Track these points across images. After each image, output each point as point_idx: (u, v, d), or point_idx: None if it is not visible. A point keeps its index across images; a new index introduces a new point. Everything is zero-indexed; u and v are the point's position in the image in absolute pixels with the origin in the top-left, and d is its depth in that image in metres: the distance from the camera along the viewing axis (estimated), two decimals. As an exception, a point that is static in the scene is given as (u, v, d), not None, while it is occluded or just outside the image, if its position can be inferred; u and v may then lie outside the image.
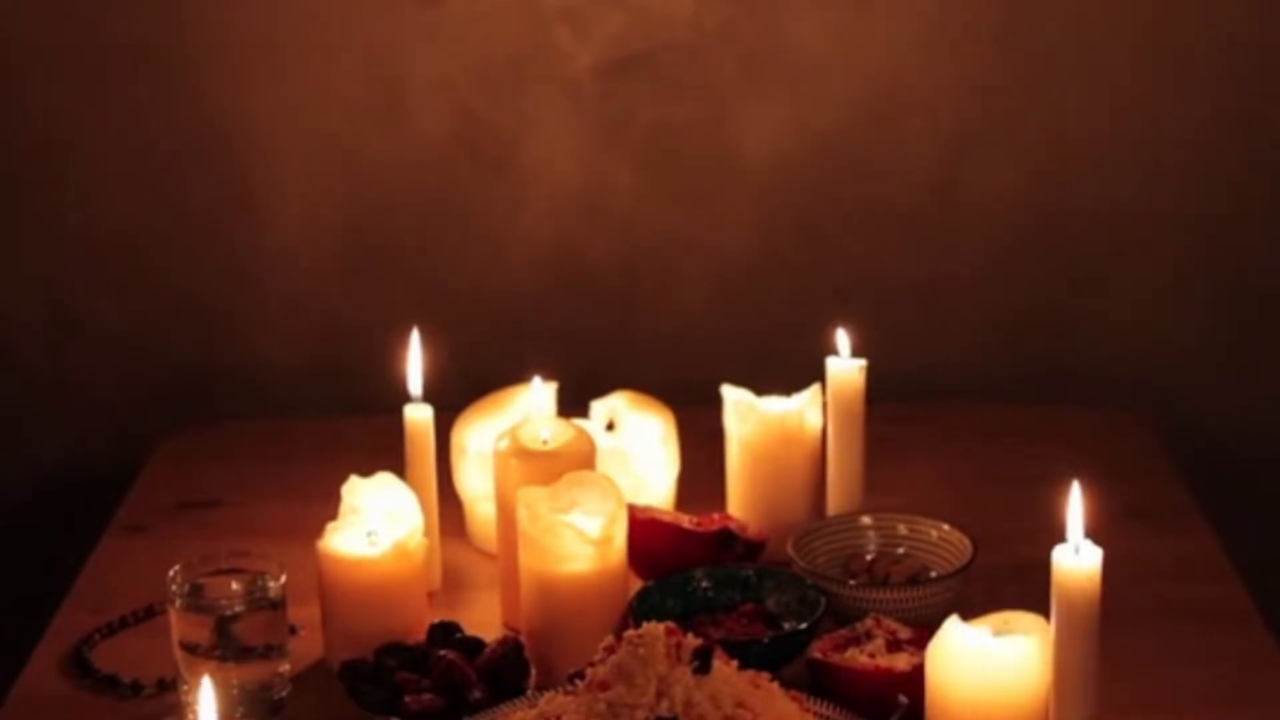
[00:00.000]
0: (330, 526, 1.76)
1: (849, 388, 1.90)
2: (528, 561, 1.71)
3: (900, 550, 1.85)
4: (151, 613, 1.84)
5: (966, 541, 1.81)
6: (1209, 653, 1.74)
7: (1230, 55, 2.27)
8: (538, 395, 1.95)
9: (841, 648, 1.68)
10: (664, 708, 1.47)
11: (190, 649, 1.66)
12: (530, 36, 2.28)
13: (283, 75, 2.29)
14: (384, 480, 1.79)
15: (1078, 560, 1.50)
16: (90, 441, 2.39)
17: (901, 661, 1.64)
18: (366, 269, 2.35)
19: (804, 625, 1.70)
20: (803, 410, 1.90)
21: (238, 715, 1.66)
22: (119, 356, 2.38)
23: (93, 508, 2.10)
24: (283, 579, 1.69)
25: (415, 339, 1.90)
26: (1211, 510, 1.99)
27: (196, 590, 1.68)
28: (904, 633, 1.69)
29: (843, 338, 1.92)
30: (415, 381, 1.88)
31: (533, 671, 1.67)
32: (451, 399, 1.95)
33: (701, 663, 1.50)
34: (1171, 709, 1.67)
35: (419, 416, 1.86)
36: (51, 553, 2.09)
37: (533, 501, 1.71)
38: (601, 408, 1.99)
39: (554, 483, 1.73)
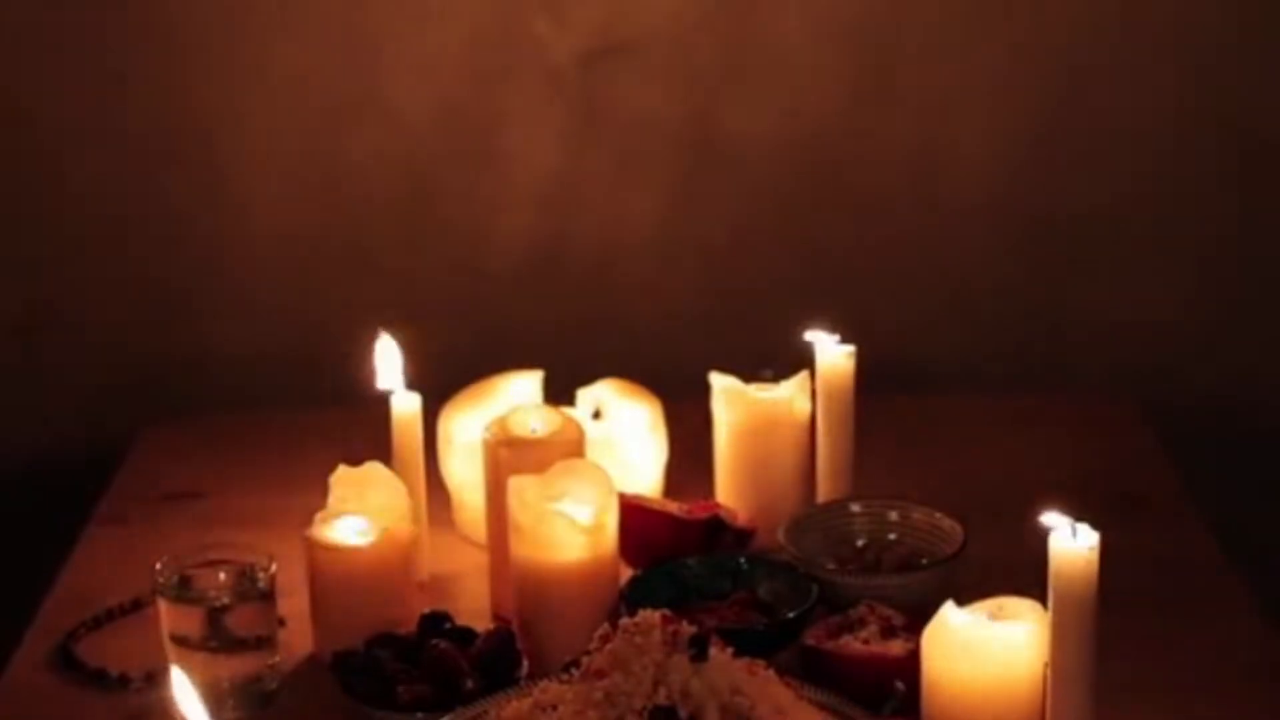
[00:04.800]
0: (319, 516, 1.75)
1: (838, 374, 1.89)
2: (519, 550, 1.71)
3: (891, 536, 1.84)
4: (138, 605, 1.82)
5: (957, 527, 1.80)
6: (1202, 636, 1.75)
7: (1206, 41, 2.27)
8: (524, 384, 1.94)
9: (835, 634, 1.67)
10: (661, 696, 1.47)
11: (180, 641, 1.65)
12: (510, 26, 2.27)
13: (261, 64, 2.28)
14: (372, 470, 1.78)
15: (1075, 543, 1.49)
16: (68, 435, 2.37)
17: (896, 647, 1.64)
18: (347, 259, 2.34)
19: (797, 612, 1.69)
20: (791, 397, 1.89)
21: (229, 707, 1.65)
22: (96, 349, 2.37)
23: (71, 502, 2.08)
24: (272, 569, 1.68)
25: (385, 342, 1.88)
26: (1202, 495, 1.99)
27: (184, 582, 1.67)
28: (897, 619, 1.68)
29: (830, 325, 1.91)
30: (398, 372, 1.87)
31: (525, 661, 1.67)
32: (436, 389, 1.94)
33: (698, 651, 1.49)
34: (1166, 693, 1.66)
35: (406, 406, 1.85)
36: (31, 547, 2.07)
37: (523, 490, 1.70)
38: (588, 396, 1.98)
39: (544, 471, 1.72)
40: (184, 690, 1.43)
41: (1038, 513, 1.52)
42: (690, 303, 2.34)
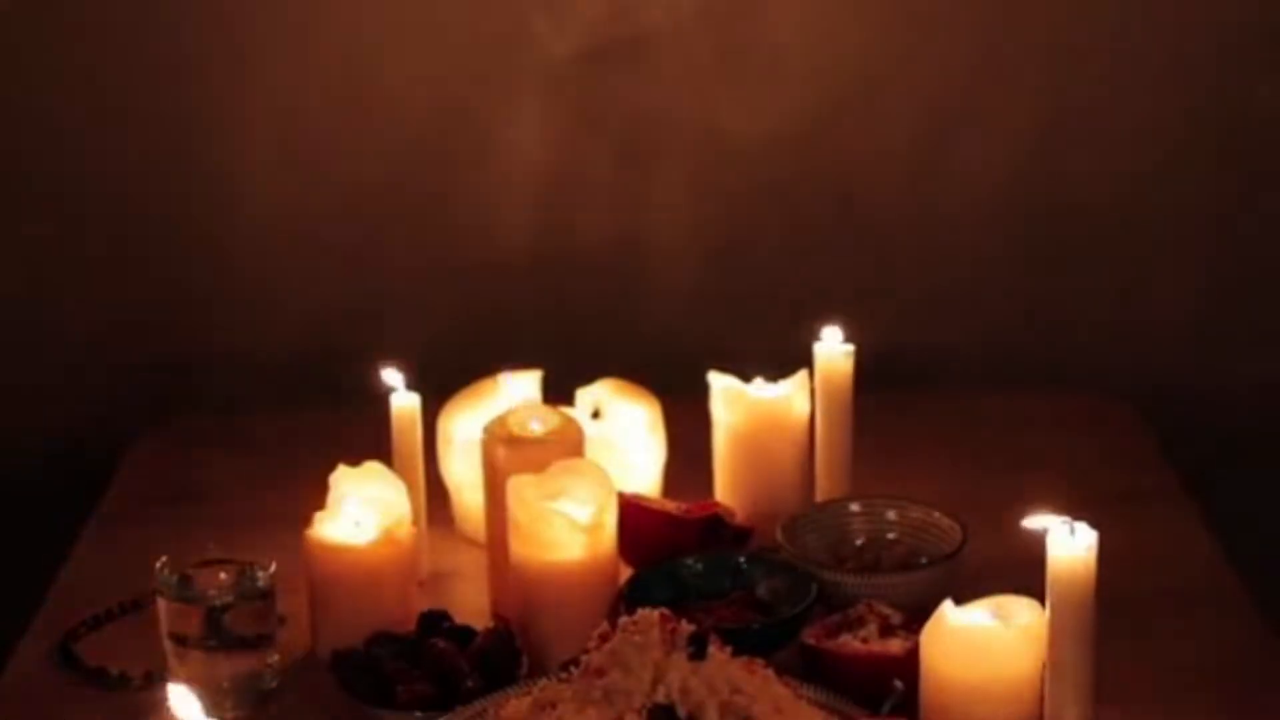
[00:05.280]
0: (318, 515, 1.75)
1: (837, 373, 1.89)
2: (518, 550, 1.71)
3: (890, 536, 1.84)
4: (137, 605, 1.82)
5: (956, 526, 1.80)
6: (1202, 636, 1.75)
7: (1208, 40, 2.27)
8: (523, 383, 1.94)
9: (834, 633, 1.67)
10: (660, 694, 1.47)
11: (179, 640, 1.65)
12: (508, 23, 2.27)
13: (261, 65, 2.28)
14: (372, 469, 1.78)
15: (1073, 543, 1.49)
16: (68, 436, 2.37)
17: (895, 646, 1.64)
18: (347, 258, 2.34)
19: (796, 611, 1.69)
20: (790, 397, 1.89)
21: (228, 706, 1.65)
22: (96, 349, 2.37)
23: (71, 502, 2.08)
24: (272, 569, 1.68)
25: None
26: (1201, 494, 1.99)
27: (185, 581, 1.67)
28: (896, 617, 1.68)
29: (830, 324, 1.91)
30: (398, 371, 1.87)
31: (524, 660, 1.67)
32: (436, 389, 1.94)
33: (697, 649, 1.49)
34: (1165, 693, 1.67)
35: (405, 405, 1.85)
36: (31, 547, 2.07)
37: (523, 489, 1.70)
38: (587, 396, 1.98)
39: (543, 471, 1.72)
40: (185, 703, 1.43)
41: (1037, 512, 1.52)
42: (690, 302, 2.34)
